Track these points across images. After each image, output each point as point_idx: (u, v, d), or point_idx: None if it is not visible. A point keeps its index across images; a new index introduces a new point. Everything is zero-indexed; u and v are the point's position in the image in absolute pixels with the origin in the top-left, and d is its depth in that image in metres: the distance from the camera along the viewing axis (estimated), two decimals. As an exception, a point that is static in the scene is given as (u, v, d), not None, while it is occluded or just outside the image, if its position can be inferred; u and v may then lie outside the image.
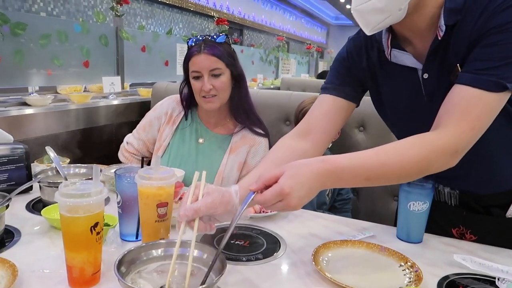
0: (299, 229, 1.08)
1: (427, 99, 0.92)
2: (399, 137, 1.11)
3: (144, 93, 2.44)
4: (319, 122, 1.02)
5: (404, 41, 0.91)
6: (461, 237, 1.07)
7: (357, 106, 1.06)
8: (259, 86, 3.61)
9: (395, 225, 1.10)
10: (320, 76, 5.43)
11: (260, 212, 1.13)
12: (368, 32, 0.85)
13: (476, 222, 1.04)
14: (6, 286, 0.72)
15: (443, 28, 0.83)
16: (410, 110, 0.96)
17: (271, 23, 12.27)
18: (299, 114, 1.61)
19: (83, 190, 0.73)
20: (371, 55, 0.99)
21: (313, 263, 0.84)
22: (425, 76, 0.90)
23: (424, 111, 0.92)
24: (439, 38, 0.84)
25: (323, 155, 1.02)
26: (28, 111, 1.70)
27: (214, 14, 8.77)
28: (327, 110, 1.03)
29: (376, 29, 0.85)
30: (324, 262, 0.87)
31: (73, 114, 1.82)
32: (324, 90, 1.05)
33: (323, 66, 7.69)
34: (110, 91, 2.22)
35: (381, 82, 0.99)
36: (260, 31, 11.72)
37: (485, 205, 1.03)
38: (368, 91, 1.07)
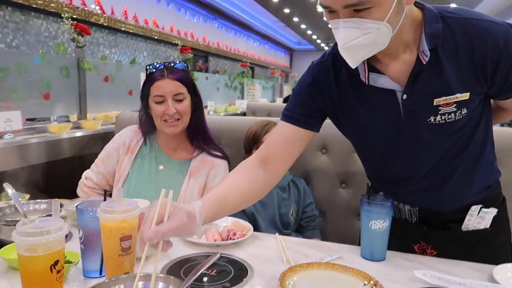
0: (267, 254, 1.08)
1: (405, 118, 0.95)
2: (365, 157, 1.15)
3: (56, 130, 2.00)
4: (278, 152, 1.03)
5: (379, 64, 0.95)
6: (423, 252, 1.11)
7: (317, 132, 1.06)
8: (210, 114, 3.48)
9: (359, 244, 1.14)
10: (286, 100, 5.55)
11: (227, 239, 1.13)
12: (353, 65, 0.89)
13: (435, 237, 1.09)
14: (-41, 335, 0.68)
15: (428, 53, 0.88)
16: (385, 129, 0.99)
17: (235, 49, 12.50)
18: (249, 139, 1.63)
19: (42, 227, 0.71)
20: (340, 80, 1.00)
21: (280, 287, 0.85)
22: (405, 97, 0.93)
23: (399, 130, 0.97)
24: (424, 63, 0.89)
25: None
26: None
27: (179, 42, 8.84)
28: (287, 139, 1.03)
29: (360, 61, 0.90)
30: (290, 285, 0.88)
31: (33, 147, 1.77)
32: (285, 117, 1.04)
33: (287, 90, 7.86)
34: (6, 129, 1.80)
35: (355, 105, 1.00)
36: (225, 58, 11.89)
37: (443, 220, 1.07)
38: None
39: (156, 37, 8.25)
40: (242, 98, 5.23)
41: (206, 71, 9.36)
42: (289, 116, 1.04)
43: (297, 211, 1.62)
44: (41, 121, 2.42)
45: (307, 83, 1.04)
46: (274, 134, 1.06)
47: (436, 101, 0.91)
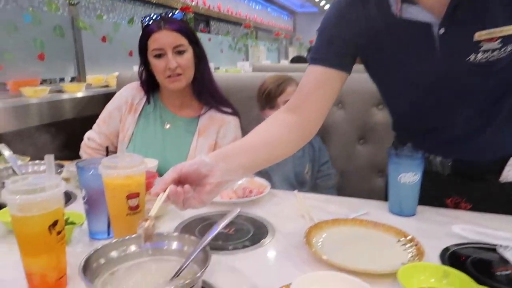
0: (286, 211, 1.00)
1: (442, 57, 0.83)
2: (395, 105, 1.04)
3: (30, 94, 1.79)
4: (310, 98, 0.91)
5: None
6: (456, 206, 1.02)
7: (349, 75, 0.94)
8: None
9: (385, 200, 1.05)
10: (295, 60, 5.35)
11: (243, 197, 1.04)
12: None
13: (470, 190, 1.00)
14: (-47, 304, 0.61)
15: None
16: (419, 70, 0.88)
17: (237, 13, 12.11)
18: (262, 97, 1.51)
19: (35, 184, 0.62)
20: (369, 14, 0.88)
21: (306, 246, 0.77)
22: (441, 31, 0.81)
23: (434, 71, 0.85)
24: None
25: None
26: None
27: (178, 6, 8.55)
28: (318, 83, 0.91)
29: None
30: (319, 244, 0.80)
31: (33, 108, 1.66)
32: (314, 60, 0.93)
33: (292, 52, 7.62)
34: None
35: (385, 43, 0.89)
36: (227, 22, 11.53)
37: (478, 171, 0.98)
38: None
39: (154, 1, 7.97)
40: (247, 60, 5.05)
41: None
42: (317, 58, 0.93)
43: (312, 170, 1.53)
44: (53, 84, 2.29)
45: (331, 18, 0.93)
46: (303, 81, 0.93)
47: (477, 35, 0.79)
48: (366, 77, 1.03)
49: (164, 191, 0.69)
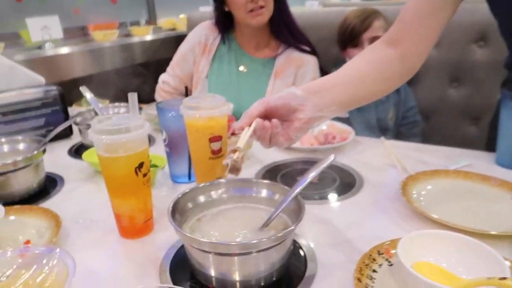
0: (374, 160, 0.91)
1: None
2: None
3: (100, 37, 1.78)
4: (412, 27, 0.76)
5: None
6: None
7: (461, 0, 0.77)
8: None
9: (487, 149, 0.93)
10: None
11: (325, 144, 0.97)
12: None
13: None
14: (50, 239, 0.63)
15: None
16: None
17: None
18: (345, 34, 1.35)
19: (120, 124, 0.59)
20: None
21: (404, 199, 0.69)
22: None
23: None
24: None
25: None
26: (64, 50, 1.57)
27: None
28: (422, 10, 0.75)
29: None
30: (421, 199, 0.71)
31: (109, 52, 1.68)
32: None
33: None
34: (44, 38, 1.54)
35: None
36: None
37: None
38: None
39: None
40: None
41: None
42: None
43: (396, 116, 1.40)
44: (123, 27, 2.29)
45: None
46: (405, 8, 0.78)
47: None
48: (465, 7, 0.85)
49: (249, 125, 0.63)
